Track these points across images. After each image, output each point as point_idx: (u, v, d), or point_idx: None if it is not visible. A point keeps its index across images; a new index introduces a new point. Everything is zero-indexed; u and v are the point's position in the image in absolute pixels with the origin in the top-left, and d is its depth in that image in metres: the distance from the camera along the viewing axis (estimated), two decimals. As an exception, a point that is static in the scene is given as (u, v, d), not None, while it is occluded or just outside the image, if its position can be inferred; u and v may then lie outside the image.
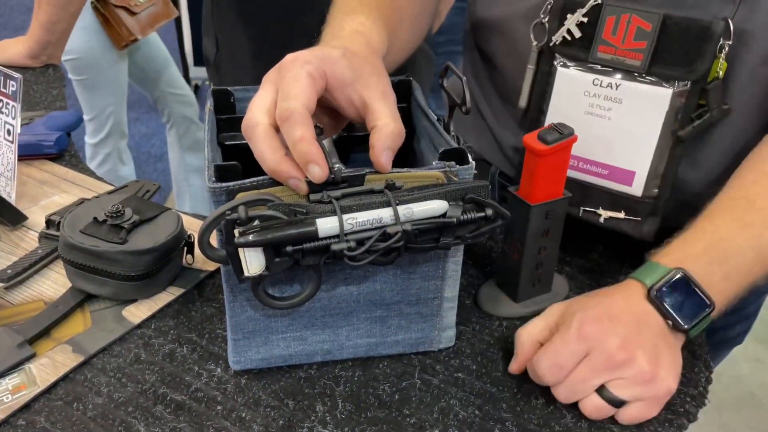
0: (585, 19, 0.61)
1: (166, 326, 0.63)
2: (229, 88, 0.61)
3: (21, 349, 0.59)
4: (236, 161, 0.50)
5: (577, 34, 0.62)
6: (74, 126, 0.95)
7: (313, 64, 0.49)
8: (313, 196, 0.47)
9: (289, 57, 0.50)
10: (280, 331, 0.56)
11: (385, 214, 0.47)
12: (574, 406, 0.55)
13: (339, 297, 0.55)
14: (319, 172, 0.46)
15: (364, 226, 0.47)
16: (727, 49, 0.57)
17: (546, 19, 0.64)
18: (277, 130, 0.48)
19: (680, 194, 0.66)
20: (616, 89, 0.62)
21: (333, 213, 0.46)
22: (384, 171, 0.49)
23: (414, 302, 0.57)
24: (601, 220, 0.68)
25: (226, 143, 0.63)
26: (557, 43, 0.63)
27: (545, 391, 0.56)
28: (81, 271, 0.64)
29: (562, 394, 0.53)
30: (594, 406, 0.52)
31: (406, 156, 0.65)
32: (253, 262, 0.47)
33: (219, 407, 0.55)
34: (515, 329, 0.63)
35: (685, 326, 0.54)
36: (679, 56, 0.58)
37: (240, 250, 0.46)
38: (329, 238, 0.46)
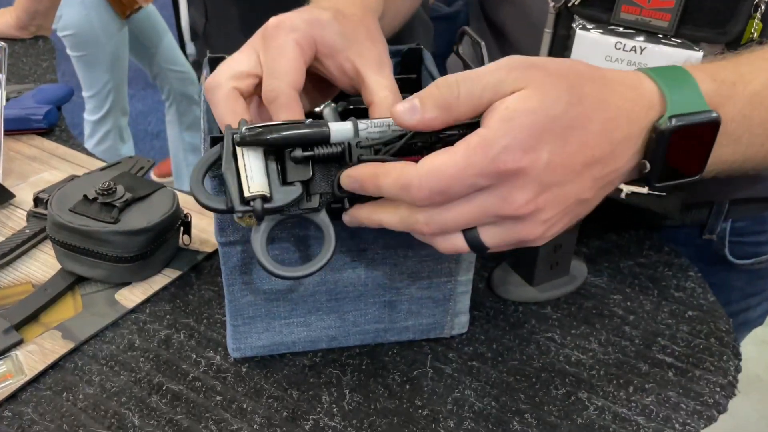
0: None
1: (161, 311, 0.59)
2: (226, 56, 0.57)
3: (7, 335, 0.55)
4: None
5: None
6: (65, 99, 0.91)
7: (301, 31, 0.45)
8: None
9: (273, 21, 0.46)
10: (283, 316, 0.53)
11: None
12: (598, 397, 0.51)
13: (346, 280, 0.52)
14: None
15: (381, 128, 0.41)
16: (763, 8, 0.52)
17: None
18: (246, 96, 0.45)
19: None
20: (641, 53, 0.58)
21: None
22: None
23: (425, 286, 0.53)
24: (623, 195, 0.64)
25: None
26: (576, 3, 0.59)
27: (566, 381, 0.53)
28: (71, 252, 0.60)
29: (425, 227, 0.39)
30: (452, 247, 0.40)
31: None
32: (255, 176, 0.40)
33: (218, 398, 0.51)
34: (532, 315, 0.59)
35: (656, 183, 0.40)
36: (711, 16, 0.54)
37: (240, 163, 0.40)
38: (341, 144, 0.40)
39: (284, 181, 0.41)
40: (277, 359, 0.55)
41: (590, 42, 0.60)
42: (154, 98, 2.03)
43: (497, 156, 0.35)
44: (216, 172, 0.44)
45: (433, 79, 0.59)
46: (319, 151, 0.40)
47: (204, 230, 0.68)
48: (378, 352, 0.55)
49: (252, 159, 0.40)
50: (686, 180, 0.41)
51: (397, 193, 0.38)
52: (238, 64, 0.45)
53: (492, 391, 0.52)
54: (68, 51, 1.68)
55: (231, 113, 0.43)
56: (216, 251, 0.66)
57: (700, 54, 0.55)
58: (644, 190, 0.63)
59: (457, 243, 0.39)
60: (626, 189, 0.64)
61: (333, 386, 0.52)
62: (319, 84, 0.50)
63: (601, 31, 0.59)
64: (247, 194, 0.40)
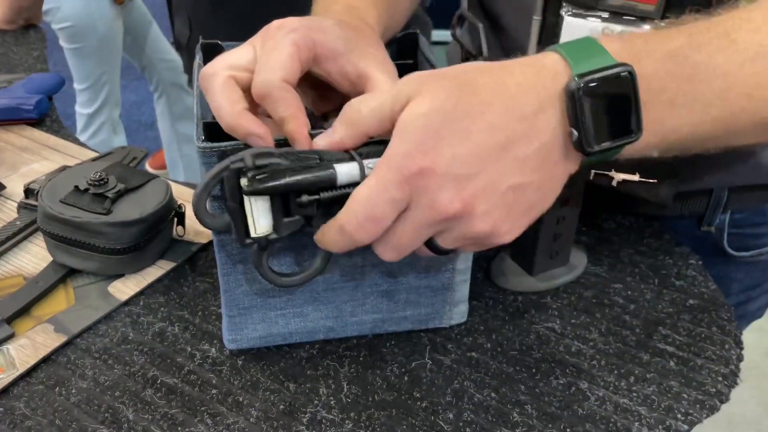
0: None
1: (155, 303, 0.58)
2: (219, 42, 0.56)
3: (-2, 329, 0.54)
4: None
5: None
6: (55, 89, 0.89)
7: (300, 32, 0.44)
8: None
9: (276, 23, 0.45)
10: (279, 307, 0.52)
11: None
12: (599, 387, 0.51)
13: (342, 269, 0.51)
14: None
15: None
16: None
17: None
18: (245, 91, 0.44)
19: (700, 153, 0.61)
20: None
21: (351, 159, 0.40)
22: None
23: (424, 275, 0.53)
24: (614, 183, 0.63)
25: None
26: None
27: (567, 372, 0.52)
28: (62, 244, 0.59)
29: (385, 254, 0.41)
30: (427, 254, 0.42)
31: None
32: (260, 219, 0.41)
33: (214, 391, 0.50)
34: (531, 304, 0.59)
35: (590, 148, 0.38)
36: (697, 0, 0.53)
37: (246, 204, 0.40)
38: (348, 186, 0.40)
39: (287, 213, 0.41)
40: (274, 351, 0.54)
41: (578, 28, 0.58)
42: (147, 89, 2.00)
43: (400, 165, 0.37)
44: (217, 194, 0.44)
45: (430, 64, 0.58)
46: (325, 195, 0.40)
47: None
48: (376, 343, 0.55)
49: (258, 201, 0.40)
50: (627, 141, 0.39)
51: (342, 240, 0.39)
52: (235, 57, 0.44)
53: (491, 382, 0.51)
54: (63, 43, 1.66)
55: (228, 102, 0.42)
56: (210, 242, 0.65)
57: None
58: (635, 177, 0.62)
59: (422, 250, 0.41)
60: (617, 177, 0.63)
61: (330, 378, 0.52)
62: (321, 90, 0.49)
63: (588, 17, 0.58)
64: (253, 235, 0.41)
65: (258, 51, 0.45)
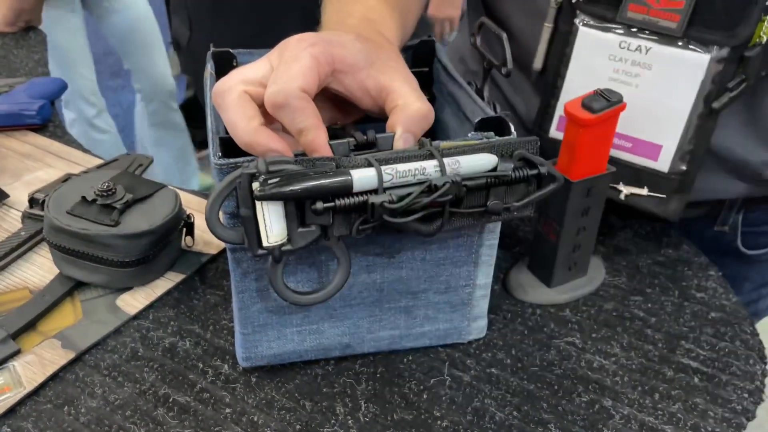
0: None
1: (165, 317, 0.57)
2: (231, 50, 0.54)
3: (4, 345, 0.53)
4: None
5: None
6: (58, 94, 0.88)
7: (320, 47, 0.43)
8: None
9: (295, 37, 0.44)
10: (295, 324, 0.50)
11: (429, 166, 0.40)
12: (623, 405, 0.49)
13: (360, 285, 0.49)
14: None
15: (406, 178, 0.39)
16: None
17: None
18: (260, 106, 0.42)
19: (709, 170, 0.59)
20: (646, 53, 0.55)
21: (368, 165, 0.39)
22: None
23: (443, 290, 0.51)
24: (622, 196, 0.62)
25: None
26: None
27: (589, 388, 0.51)
28: (69, 257, 0.57)
29: None
30: None
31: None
32: (274, 226, 0.39)
33: (228, 410, 0.49)
34: (550, 318, 0.57)
35: None
36: (721, 18, 0.52)
37: (259, 211, 0.39)
38: (365, 193, 0.39)
39: (302, 222, 0.40)
40: (288, 368, 0.52)
41: (593, 40, 0.57)
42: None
43: None
44: (230, 207, 0.43)
45: (447, 71, 0.56)
46: (341, 202, 0.39)
47: (207, 231, 0.65)
48: (393, 359, 0.53)
49: (271, 206, 0.39)
50: None
51: None
52: (250, 71, 0.43)
53: (513, 400, 0.50)
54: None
55: (243, 118, 0.41)
56: (220, 253, 0.63)
57: (707, 56, 0.53)
58: (644, 192, 0.61)
59: None
60: (625, 191, 0.61)
61: (347, 396, 0.50)
62: (340, 106, 0.48)
63: (605, 29, 0.56)
64: (266, 244, 0.40)
65: (274, 65, 0.43)
